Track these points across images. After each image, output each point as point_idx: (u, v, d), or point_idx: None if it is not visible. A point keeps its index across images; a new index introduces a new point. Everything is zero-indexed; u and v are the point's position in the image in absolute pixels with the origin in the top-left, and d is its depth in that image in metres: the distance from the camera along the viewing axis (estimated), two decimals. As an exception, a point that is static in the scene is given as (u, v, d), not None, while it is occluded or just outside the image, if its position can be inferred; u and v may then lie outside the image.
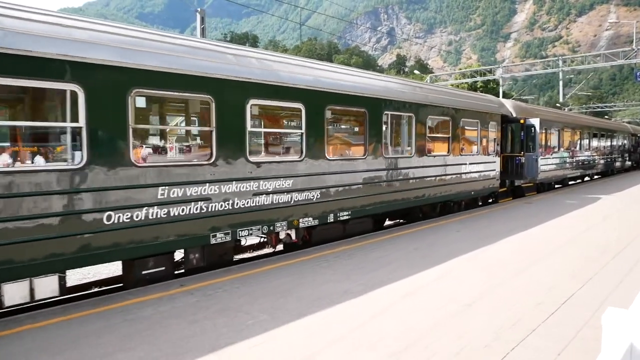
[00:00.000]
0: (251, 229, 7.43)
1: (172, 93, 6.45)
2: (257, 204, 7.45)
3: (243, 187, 7.22)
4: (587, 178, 26.42)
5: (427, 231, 9.70)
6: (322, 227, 8.88)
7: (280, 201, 7.81)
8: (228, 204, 7.04)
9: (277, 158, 8.18)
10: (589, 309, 4.96)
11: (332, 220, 8.81)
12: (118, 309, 5.05)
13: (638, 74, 27.79)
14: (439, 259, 7.19)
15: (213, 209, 6.86)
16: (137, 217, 6.00)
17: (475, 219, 11.42)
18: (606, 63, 30.66)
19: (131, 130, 5.90)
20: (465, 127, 13.16)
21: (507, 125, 16.07)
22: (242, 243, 8.42)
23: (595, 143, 25.49)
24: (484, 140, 13.93)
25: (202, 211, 6.73)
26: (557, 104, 50.97)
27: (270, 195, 7.65)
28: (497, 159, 14.73)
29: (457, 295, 5.41)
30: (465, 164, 12.91)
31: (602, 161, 26.68)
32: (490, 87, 58.59)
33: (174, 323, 4.64)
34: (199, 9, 19.03)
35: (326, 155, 8.56)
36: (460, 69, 55.90)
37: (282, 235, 8.30)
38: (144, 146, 7.05)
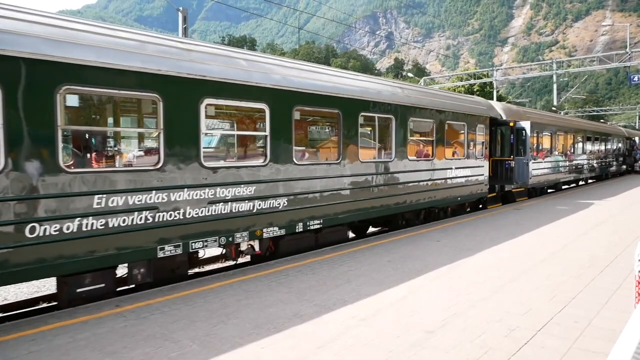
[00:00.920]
0: (206, 241, 6.78)
1: (110, 91, 5.81)
2: (213, 213, 6.81)
3: (196, 195, 6.58)
4: (581, 182, 25.89)
5: (405, 240, 9.07)
6: (290, 237, 8.25)
7: (240, 210, 7.17)
8: (178, 213, 6.40)
9: (237, 163, 7.55)
10: (568, 335, 4.34)
11: (301, 229, 8.17)
12: (29, 337, 4.39)
13: (632, 77, 27.28)
14: (410, 273, 6.56)
15: (160, 219, 6.21)
16: (67, 230, 5.35)
17: (459, 226, 10.80)
18: (600, 66, 30.19)
19: (60, 132, 5.27)
20: (451, 130, 12.56)
21: (496, 128, 15.50)
22: (200, 255, 7.76)
23: (589, 147, 24.95)
24: (472, 144, 13.33)
25: (148, 222, 6.08)
26: (553, 107, 50.50)
27: (229, 203, 7.01)
28: (486, 163, 14.12)
29: (420, 321, 4.78)
30: (451, 168, 12.30)
31: (596, 165, 26.13)
32: (487, 91, 58.17)
33: (87, 355, 3.99)
34: (180, 8, 18.42)
35: (294, 159, 7.93)
36: (457, 73, 55.35)
37: (243, 247, 7.66)
38: (77, 150, 6.42)
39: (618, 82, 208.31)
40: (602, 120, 71.92)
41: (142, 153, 7.37)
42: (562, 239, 9.19)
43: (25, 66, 4.98)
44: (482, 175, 13.89)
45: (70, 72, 5.32)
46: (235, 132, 8.33)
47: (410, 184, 10.72)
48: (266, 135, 7.53)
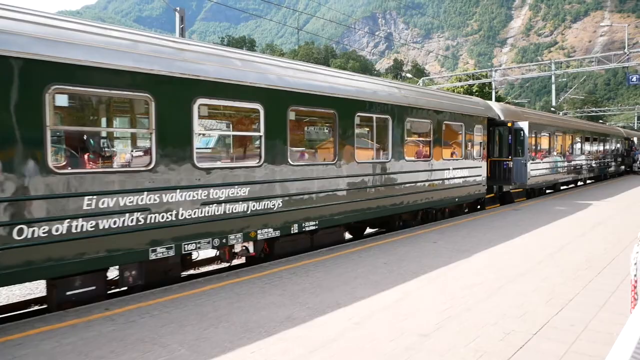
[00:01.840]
0: (199, 242, 6.70)
1: (101, 91, 5.73)
2: (206, 215, 6.72)
3: (189, 196, 6.50)
4: (580, 183, 25.83)
5: (402, 242, 8.99)
6: (285, 238, 8.17)
7: (234, 211, 7.09)
8: (171, 214, 6.31)
9: (231, 164, 7.47)
10: (564, 339, 4.26)
11: (296, 231, 8.09)
12: (16, 341, 4.31)
13: (630, 77, 27.24)
14: (406, 275, 6.48)
15: (152, 221, 6.13)
16: (56, 231, 5.27)
17: (456, 227, 10.72)
18: (599, 67, 30.14)
19: (48, 132, 5.18)
20: (449, 131, 12.50)
21: (494, 128, 15.43)
22: (194, 257, 7.68)
23: (587, 147, 24.91)
24: (469, 144, 13.26)
25: (139, 223, 6.00)
26: (552, 108, 50.50)
27: (223, 204, 6.93)
28: (484, 164, 14.05)
29: (415, 324, 4.70)
30: (449, 169, 12.23)
31: (595, 166, 26.08)
32: (486, 92, 58.13)
33: (73, 360, 3.91)
34: (177, 8, 18.34)
35: (289, 160, 7.85)
36: (456, 74, 55.33)
37: (237, 249, 7.58)
38: (66, 150, 6.33)
39: (617, 83, 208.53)
40: (600, 121, 71.97)
41: (133, 154, 7.28)
42: (559, 240, 9.12)
43: (13, 65, 4.90)
44: (480, 175, 13.82)
45: (59, 71, 5.24)
46: (229, 133, 8.24)
47: (407, 185, 10.65)
48: (261, 136, 7.45)
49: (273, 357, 3.94)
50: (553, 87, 30.74)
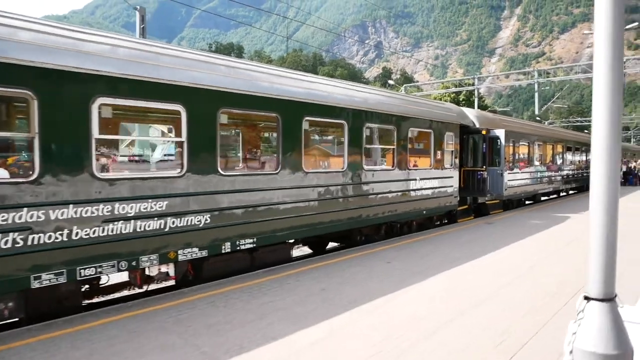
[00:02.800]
0: (100, 266, 5.67)
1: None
2: (109, 234, 5.71)
3: (86, 212, 5.48)
4: (563, 193, 25.20)
5: (353, 262, 8.03)
6: (216, 258, 7.17)
7: (147, 229, 6.08)
8: (61, 234, 5.29)
9: (143, 174, 6.46)
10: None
11: (229, 250, 7.10)
12: None
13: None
14: (340, 305, 5.52)
15: (35, 242, 5.10)
16: None
17: (421, 243, 9.80)
18: (582, 75, 29.79)
19: None
20: (416, 138, 11.65)
21: (468, 136, 14.62)
22: (103, 283, 6.64)
23: (570, 157, 24.32)
24: (439, 153, 12.41)
25: (16, 245, 4.97)
26: (537, 118, 50.32)
27: (132, 221, 5.92)
28: (456, 174, 13.20)
29: (325, 377, 3.72)
30: (415, 179, 11.34)
31: (577, 176, 25.50)
32: (473, 100, 57.93)
33: None
34: (138, 7, 17.35)
35: (219, 170, 6.88)
36: (447, 87, 54.88)
37: (153, 272, 6.55)
38: None
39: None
40: (586, 131, 72.19)
41: (11, 162, 6.23)
42: (530, 258, 8.24)
43: None
44: (452, 186, 12.96)
45: None
46: (138, 138, 7.23)
47: (366, 197, 9.72)
48: (182, 142, 6.46)
49: None
50: (536, 95, 30.27)
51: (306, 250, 12.14)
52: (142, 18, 17.29)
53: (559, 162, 22.26)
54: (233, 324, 4.92)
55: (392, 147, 10.61)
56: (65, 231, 5.33)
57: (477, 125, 14.76)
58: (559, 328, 4.84)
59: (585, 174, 27.15)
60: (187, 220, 6.51)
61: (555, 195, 24.00)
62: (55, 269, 5.29)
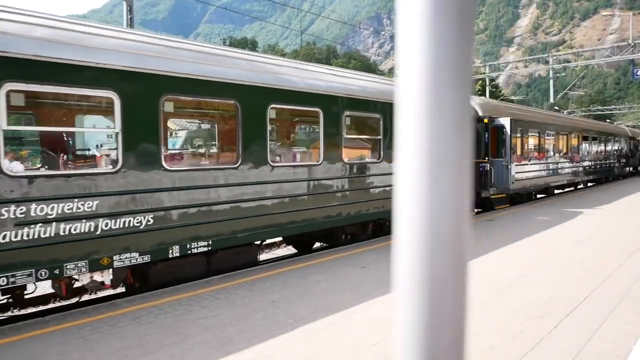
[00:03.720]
0: (13, 275, 4.96)
1: None
2: (24, 239, 4.98)
3: (-7, 214, 4.77)
4: (580, 186, 23.75)
5: (325, 266, 7.18)
6: (165, 264, 6.42)
7: (73, 232, 5.33)
8: (-40, 240, 4.59)
9: (67, 170, 5.72)
10: None
11: (177, 254, 6.32)
12: None
13: (635, 71, 25.13)
14: (279, 326, 4.66)
15: None
16: None
17: (408, 244, 8.86)
18: (601, 60, 28.08)
19: None
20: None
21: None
22: (28, 293, 5.95)
23: (587, 147, 22.86)
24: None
25: None
26: (555, 107, 48.33)
27: (54, 224, 5.18)
28: (454, 167, 12.15)
29: None
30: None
31: (595, 167, 24.00)
32: (490, 91, 56.01)
33: None
34: (125, -4, 16.65)
35: (164, 164, 6.09)
36: None
37: (84, 280, 5.81)
38: None
39: (627, 82, 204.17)
40: (608, 120, 69.41)
41: None
42: (524, 264, 7.24)
43: None
44: (450, 180, 11.92)
45: None
46: (65, 129, 6.45)
47: (346, 193, 8.83)
48: (116, 133, 5.69)
49: None
50: (551, 82, 28.67)
51: (292, 250, 11.37)
52: (129, 8, 16.63)
53: (574, 152, 20.88)
54: (145, 348, 4.13)
55: (377, 137, 9.67)
56: (-33, 237, 4.62)
57: (480, 113, 13.67)
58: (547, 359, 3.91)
59: (604, 165, 25.62)
60: (124, 221, 5.75)
61: (572, 188, 22.61)
62: (-46, 280, 4.60)
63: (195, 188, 6.44)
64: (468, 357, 0.79)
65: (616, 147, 27.88)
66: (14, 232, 4.92)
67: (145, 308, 5.23)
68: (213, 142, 7.84)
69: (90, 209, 5.46)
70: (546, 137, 17.92)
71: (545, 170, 17.66)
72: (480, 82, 51.84)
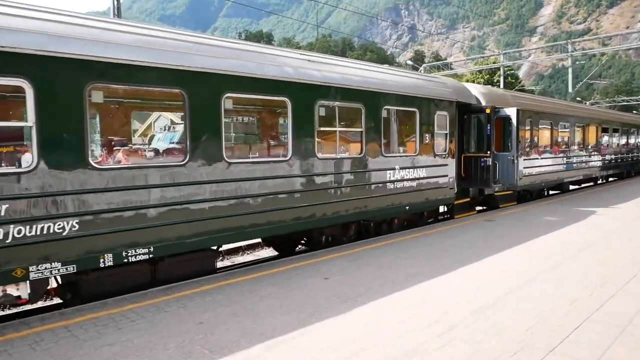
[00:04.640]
0: None
1: None
2: None
3: None
4: (600, 181, 22.24)
5: (285, 275, 6.37)
6: (99, 273, 5.71)
7: (-23, 240, 4.66)
8: None
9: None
10: None
11: (110, 263, 5.59)
12: None
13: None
14: (194, 358, 3.87)
15: None
16: None
17: (385, 249, 7.97)
18: (626, 45, 26.29)
19: None
20: (392, 118, 9.73)
21: (469, 116, 12.43)
22: None
23: (606, 140, 21.36)
24: (427, 136, 10.40)
25: None
26: (577, 98, 46.25)
27: (-51, 231, 4.50)
28: (451, 161, 11.16)
29: None
30: (393, 168, 9.44)
31: (615, 161, 22.45)
32: (508, 82, 54.13)
33: None
34: (111, -14, 16.06)
35: (90, 161, 5.35)
36: (480, 64, 51.15)
37: (-5, 295, 5.12)
38: None
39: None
40: (635, 112, 66.31)
41: None
42: (517, 276, 6.26)
43: None
44: (446, 176, 10.94)
45: None
46: None
47: (320, 192, 7.96)
48: (30, 127, 4.96)
49: None
50: (570, 70, 27.01)
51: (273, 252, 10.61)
52: (116, -2, 16.03)
53: (591, 145, 19.45)
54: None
55: (359, 129, 8.75)
56: None
57: (483, 103, 12.56)
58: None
59: (626, 159, 24.01)
60: (42, 227, 5.03)
61: (591, 183, 21.16)
62: None
63: (131, 189, 5.68)
64: None
65: (640, 140, 26.17)
66: None
67: (48, 330, 4.50)
68: (157, 137, 7.07)
69: (-3, 214, 4.76)
70: (560, 129, 16.63)
71: (558, 165, 16.40)
72: (497, 73, 50.10)
